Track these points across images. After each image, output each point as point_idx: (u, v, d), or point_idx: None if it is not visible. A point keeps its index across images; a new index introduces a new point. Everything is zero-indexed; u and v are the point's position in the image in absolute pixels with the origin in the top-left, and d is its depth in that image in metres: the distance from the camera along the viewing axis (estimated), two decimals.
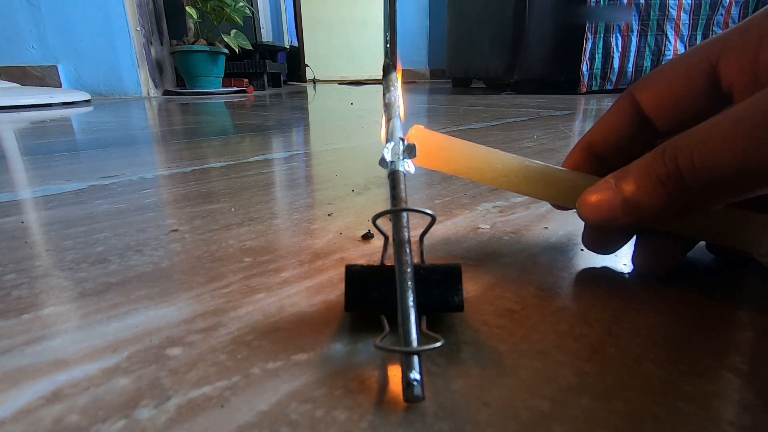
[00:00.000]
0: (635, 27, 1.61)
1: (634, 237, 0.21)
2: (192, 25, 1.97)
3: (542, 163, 0.20)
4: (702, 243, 0.22)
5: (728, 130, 0.13)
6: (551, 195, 0.21)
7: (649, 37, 1.62)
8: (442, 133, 0.21)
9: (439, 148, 0.21)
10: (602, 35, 1.62)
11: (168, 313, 0.17)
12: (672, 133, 0.19)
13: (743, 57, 0.16)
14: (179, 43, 1.97)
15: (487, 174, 0.21)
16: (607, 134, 0.21)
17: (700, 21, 1.60)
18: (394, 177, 0.17)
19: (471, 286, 0.19)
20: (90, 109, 1.33)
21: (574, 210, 0.19)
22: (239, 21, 1.99)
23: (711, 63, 0.17)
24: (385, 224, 0.24)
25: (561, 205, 0.22)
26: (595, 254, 0.22)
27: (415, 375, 0.12)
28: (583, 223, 0.20)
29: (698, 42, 1.61)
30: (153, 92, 1.99)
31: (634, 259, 0.20)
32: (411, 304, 0.13)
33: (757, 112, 0.13)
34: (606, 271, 0.21)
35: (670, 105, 0.19)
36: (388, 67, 0.22)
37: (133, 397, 0.13)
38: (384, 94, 0.21)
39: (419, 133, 0.21)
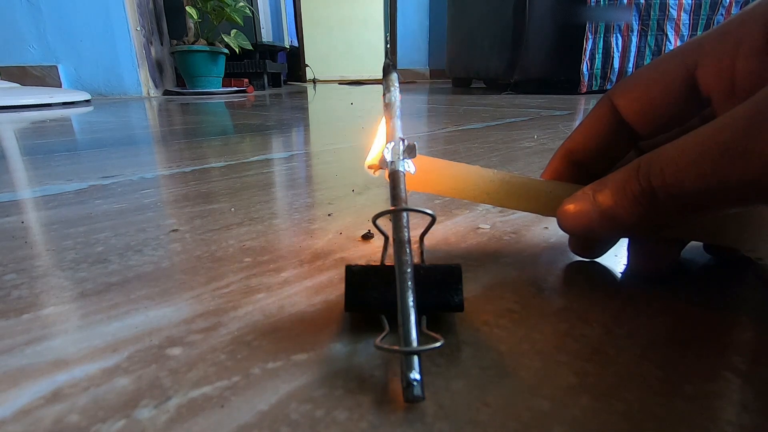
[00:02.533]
0: (635, 27, 1.61)
1: (627, 241, 0.21)
2: (192, 25, 1.97)
3: (522, 176, 0.21)
4: (700, 244, 0.22)
5: (698, 151, 0.14)
6: (533, 207, 0.21)
7: (649, 37, 1.62)
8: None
9: (420, 171, 0.21)
10: (602, 35, 1.62)
11: (168, 313, 0.17)
12: (652, 136, 0.19)
13: (720, 65, 0.16)
14: (179, 43, 1.97)
15: (470, 193, 0.21)
16: (586, 140, 0.21)
17: (700, 21, 1.60)
18: (394, 177, 0.17)
19: (471, 286, 0.19)
20: (90, 109, 1.33)
21: None
22: (239, 21, 1.99)
23: (688, 70, 0.17)
24: (385, 224, 0.24)
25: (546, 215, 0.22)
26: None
27: (415, 375, 0.12)
28: None
29: None
30: (153, 92, 1.99)
31: (628, 261, 0.21)
32: (411, 304, 0.13)
33: (726, 136, 0.13)
34: (606, 271, 0.21)
35: (649, 110, 0.18)
36: (388, 67, 0.22)
37: (133, 397, 0.13)
38: (384, 95, 0.21)
39: None
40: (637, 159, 0.16)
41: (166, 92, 2.06)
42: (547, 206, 0.20)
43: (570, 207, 0.18)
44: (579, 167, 0.21)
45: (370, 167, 0.21)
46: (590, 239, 0.21)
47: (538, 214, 0.21)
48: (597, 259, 0.22)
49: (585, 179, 0.18)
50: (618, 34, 1.62)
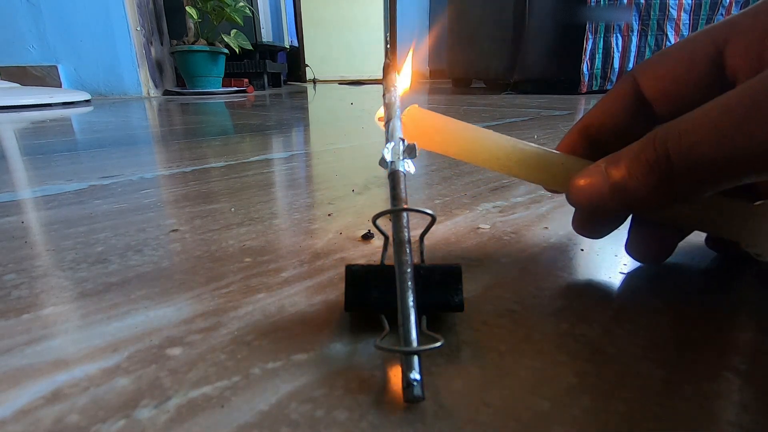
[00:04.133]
0: (635, 27, 1.61)
1: (628, 226, 0.21)
2: (192, 25, 1.97)
3: (536, 146, 0.20)
4: (702, 240, 0.22)
5: (718, 117, 0.13)
6: (544, 179, 0.20)
7: (649, 37, 1.62)
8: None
9: (434, 129, 0.20)
10: (602, 35, 1.62)
11: (168, 313, 0.17)
12: (671, 118, 0.19)
13: (750, 43, 0.16)
14: (179, 43, 1.97)
15: (480, 156, 0.20)
16: (605, 117, 0.20)
17: (700, 21, 1.60)
18: (394, 177, 0.17)
19: (471, 286, 0.19)
20: (90, 109, 1.33)
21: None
22: (239, 21, 1.99)
23: (717, 48, 0.17)
24: (385, 224, 0.24)
25: (554, 189, 0.22)
26: (595, 255, 0.22)
27: (415, 375, 0.12)
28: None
29: None
30: (153, 92, 1.99)
31: (627, 247, 0.20)
32: (411, 304, 0.13)
33: (748, 100, 0.13)
34: (606, 271, 0.21)
35: (672, 89, 0.18)
36: (389, 67, 0.22)
37: (133, 397, 0.13)
38: (384, 95, 0.21)
39: (415, 113, 0.21)
40: (653, 130, 0.15)
41: (166, 92, 2.06)
42: (557, 179, 0.20)
43: (581, 181, 0.17)
44: (595, 144, 0.21)
45: (380, 119, 0.21)
46: (598, 216, 0.20)
47: (548, 189, 0.21)
48: (597, 260, 0.22)
49: (600, 156, 0.18)
50: (618, 34, 1.62)
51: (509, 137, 0.20)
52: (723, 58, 0.17)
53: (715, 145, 0.13)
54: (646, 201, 0.16)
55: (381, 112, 0.21)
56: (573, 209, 0.21)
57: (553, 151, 0.20)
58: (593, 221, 0.20)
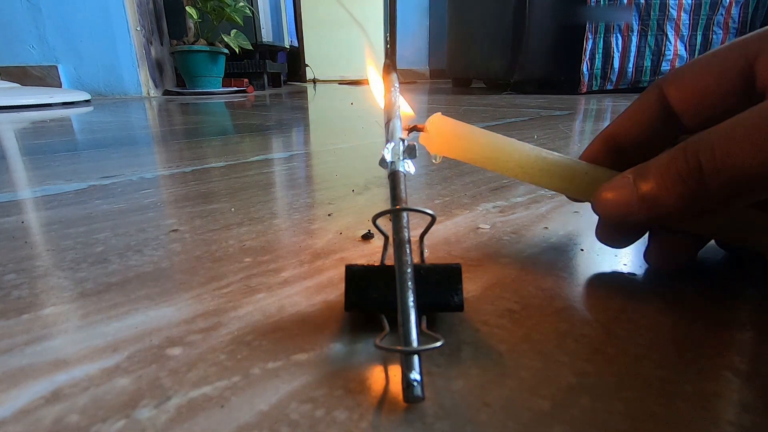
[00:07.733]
0: (635, 27, 1.61)
1: (647, 234, 0.21)
2: (192, 25, 1.97)
3: (559, 155, 0.20)
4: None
5: (752, 127, 0.13)
6: (567, 188, 0.20)
7: (649, 37, 1.62)
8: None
9: (456, 137, 0.20)
10: (602, 35, 1.62)
11: (168, 313, 0.17)
12: (699, 130, 0.19)
13: None
14: (179, 43, 1.97)
15: (503, 165, 0.20)
16: (630, 127, 0.20)
17: (700, 21, 1.60)
18: (394, 177, 0.17)
19: (471, 286, 0.19)
20: (90, 109, 1.33)
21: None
22: (239, 21, 1.98)
23: (748, 60, 0.16)
24: (385, 224, 0.24)
25: (578, 199, 0.22)
26: (595, 255, 0.22)
27: (415, 375, 0.12)
28: (582, 221, 0.19)
29: (698, 42, 1.61)
30: (153, 92, 1.99)
31: (647, 256, 0.20)
32: (411, 304, 0.13)
33: None
34: (606, 271, 0.21)
35: (700, 101, 0.18)
36: (388, 67, 0.22)
37: (133, 397, 0.13)
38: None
39: (438, 121, 0.21)
40: (683, 141, 0.15)
41: (166, 92, 2.06)
42: (581, 189, 0.20)
43: (609, 193, 0.17)
44: (619, 153, 0.20)
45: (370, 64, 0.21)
46: (625, 227, 0.20)
47: (569, 197, 0.21)
48: (597, 260, 0.22)
49: (624, 167, 0.18)
50: (618, 34, 1.62)
51: (533, 146, 0.20)
52: (753, 71, 0.16)
53: (749, 156, 0.13)
54: (676, 213, 0.15)
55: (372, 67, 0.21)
56: (573, 209, 0.21)
57: (577, 160, 0.20)
58: (617, 231, 0.20)
